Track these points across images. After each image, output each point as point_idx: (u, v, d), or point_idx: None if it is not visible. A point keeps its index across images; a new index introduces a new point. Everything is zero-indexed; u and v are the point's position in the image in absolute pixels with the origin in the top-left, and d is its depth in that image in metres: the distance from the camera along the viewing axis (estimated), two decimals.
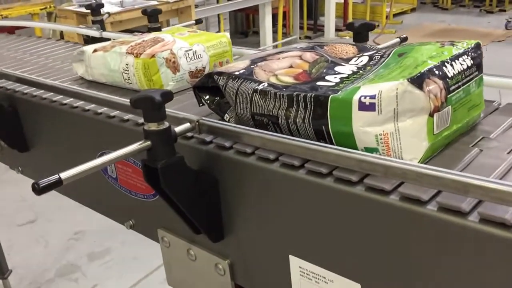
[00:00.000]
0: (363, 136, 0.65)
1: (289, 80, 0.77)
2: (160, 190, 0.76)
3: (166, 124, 0.72)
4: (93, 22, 1.62)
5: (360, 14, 6.58)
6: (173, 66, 1.03)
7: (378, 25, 6.32)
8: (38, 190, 0.63)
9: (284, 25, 5.85)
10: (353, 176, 0.64)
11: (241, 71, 0.80)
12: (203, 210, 0.80)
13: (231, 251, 0.84)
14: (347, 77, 0.73)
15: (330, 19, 5.95)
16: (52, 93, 1.10)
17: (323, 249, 0.70)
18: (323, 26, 6.12)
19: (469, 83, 0.69)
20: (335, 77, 0.74)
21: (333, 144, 0.69)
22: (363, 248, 0.65)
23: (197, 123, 0.77)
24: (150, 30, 1.44)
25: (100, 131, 1.00)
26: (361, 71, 0.74)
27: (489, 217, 0.54)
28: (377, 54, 0.78)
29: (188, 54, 1.05)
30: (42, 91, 1.12)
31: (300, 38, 5.94)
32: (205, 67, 1.08)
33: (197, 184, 0.78)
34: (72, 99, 1.06)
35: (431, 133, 0.64)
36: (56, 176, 0.65)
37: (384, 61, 0.74)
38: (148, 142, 0.72)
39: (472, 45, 0.71)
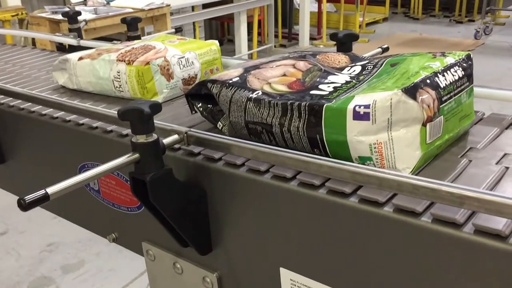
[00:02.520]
0: (357, 145, 0.65)
1: (283, 88, 0.76)
2: (148, 203, 0.74)
3: (155, 136, 0.71)
4: (70, 30, 1.59)
5: (334, 23, 6.65)
6: (167, 73, 1.02)
7: None
8: (24, 206, 0.61)
9: (259, 34, 5.87)
10: (346, 187, 0.64)
11: (235, 79, 0.79)
12: (191, 222, 0.78)
13: (220, 264, 0.83)
14: (341, 87, 0.73)
15: (304, 28, 6.00)
16: (30, 103, 1.07)
17: (315, 261, 0.69)
18: (297, 34, 6.16)
19: (460, 94, 0.69)
20: (329, 86, 0.74)
21: (327, 152, 0.68)
22: (356, 260, 0.65)
23: (185, 134, 0.76)
24: (129, 38, 1.42)
25: (81, 142, 0.97)
26: (354, 81, 0.74)
27: (483, 228, 0.55)
28: (369, 64, 0.78)
29: (181, 61, 1.04)
30: (20, 101, 1.09)
31: (275, 46, 5.97)
32: (197, 75, 1.07)
33: (185, 196, 0.76)
34: (51, 109, 1.03)
35: (424, 143, 0.65)
36: (42, 191, 0.63)
37: (376, 71, 0.74)
38: (136, 155, 0.70)
39: (463, 56, 0.71)
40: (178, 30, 1.58)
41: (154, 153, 0.71)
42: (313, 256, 0.69)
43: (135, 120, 0.69)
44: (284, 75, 0.80)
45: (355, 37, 1.02)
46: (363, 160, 0.66)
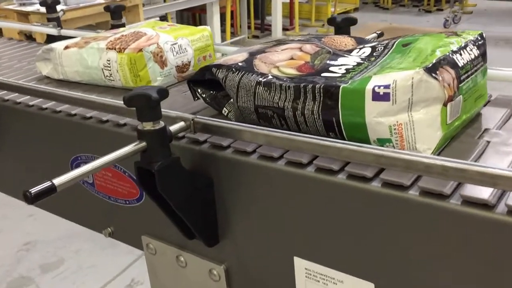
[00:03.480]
0: (376, 127, 0.63)
1: (292, 71, 0.73)
2: (154, 194, 0.71)
3: (162, 123, 0.67)
4: (49, 20, 1.52)
5: (306, 14, 6.65)
6: (161, 60, 0.98)
7: (323, 25, 6.41)
8: (31, 198, 0.57)
9: (232, 25, 5.82)
10: (367, 171, 0.61)
11: (241, 64, 0.76)
12: (199, 213, 0.75)
13: (227, 256, 0.80)
14: (353, 68, 0.71)
15: (277, 19, 5.97)
16: (16, 94, 1.01)
17: (332, 248, 0.67)
18: (270, 25, 6.14)
19: (476, 73, 0.68)
20: (340, 68, 0.72)
21: (343, 135, 0.66)
22: (378, 245, 0.63)
23: (192, 121, 0.72)
24: (113, 27, 1.37)
25: (73, 134, 0.93)
26: (365, 62, 0.72)
27: None
28: (379, 45, 0.76)
29: (174, 48, 1.00)
30: (4, 92, 1.03)
31: (248, 37, 5.93)
32: (190, 62, 1.03)
33: (193, 186, 0.73)
34: (39, 100, 0.98)
35: (445, 123, 0.63)
36: (48, 183, 0.59)
37: (388, 52, 0.72)
38: (143, 143, 0.67)
39: (477, 35, 0.70)
40: (163, 19, 1.52)
41: (161, 141, 0.68)
42: (330, 244, 0.67)
43: (143, 106, 0.65)
44: (292, 58, 0.77)
45: (353, 22, 1.00)
46: (382, 142, 0.64)
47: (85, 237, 2.59)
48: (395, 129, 0.62)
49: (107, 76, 1.01)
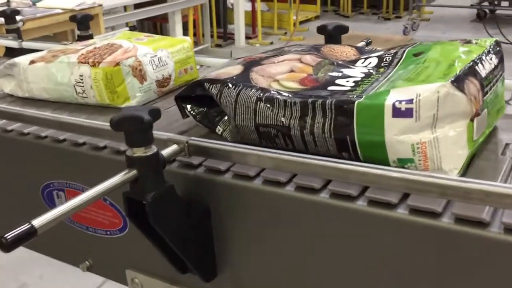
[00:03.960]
0: (397, 146, 0.57)
1: (294, 85, 0.67)
2: (145, 227, 0.63)
3: (154, 148, 0.59)
4: (8, 31, 1.41)
5: (267, 22, 6.62)
6: (140, 74, 0.89)
7: (286, 33, 6.40)
8: (8, 245, 0.48)
9: (194, 34, 5.73)
10: (392, 197, 0.55)
11: (237, 78, 0.68)
12: (195, 245, 0.67)
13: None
14: (362, 81, 0.65)
15: (240, 27, 5.92)
16: None
17: (350, 278, 0.60)
18: (233, 34, 6.07)
19: (497, 83, 0.63)
20: (348, 81, 0.66)
21: (357, 155, 0.60)
22: (407, 275, 0.56)
23: (186, 144, 0.64)
24: (80, 38, 1.27)
25: (44, 158, 0.83)
26: (374, 74, 0.66)
27: None
28: (386, 55, 0.70)
29: (154, 61, 0.92)
30: None
31: (211, 46, 5.85)
32: (171, 75, 0.95)
33: (188, 216, 0.65)
34: (3, 121, 0.88)
35: (471, 140, 0.57)
36: (27, 225, 0.50)
37: (398, 62, 0.67)
38: (134, 172, 0.58)
39: (493, 42, 0.65)
40: (132, 29, 1.43)
41: (154, 169, 0.59)
42: (348, 273, 0.60)
43: (133, 130, 0.57)
44: (292, 70, 0.71)
45: (344, 30, 0.94)
46: (403, 162, 0.57)
47: (48, 260, 2.44)
48: (418, 148, 0.56)
49: (79, 93, 0.91)
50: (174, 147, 0.64)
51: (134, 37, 0.99)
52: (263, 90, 0.66)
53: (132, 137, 0.57)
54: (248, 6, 6.31)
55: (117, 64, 0.87)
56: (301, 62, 0.72)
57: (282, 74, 0.70)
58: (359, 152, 0.59)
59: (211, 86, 0.70)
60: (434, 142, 0.56)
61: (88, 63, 0.89)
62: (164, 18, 5.32)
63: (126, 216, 0.62)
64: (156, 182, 0.60)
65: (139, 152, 0.58)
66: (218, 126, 0.73)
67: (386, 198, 0.55)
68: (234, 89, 0.68)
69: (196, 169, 0.67)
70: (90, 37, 1.27)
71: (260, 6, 6.19)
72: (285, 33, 6.41)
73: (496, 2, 6.29)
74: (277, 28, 6.57)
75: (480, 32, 5.66)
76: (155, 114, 0.58)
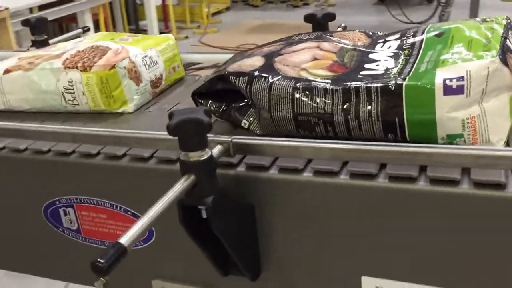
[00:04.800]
0: (447, 123, 0.59)
1: (324, 73, 0.67)
2: (196, 232, 0.61)
3: (209, 151, 0.57)
4: None
5: (179, 16, 6.52)
6: (135, 76, 0.85)
7: (199, 26, 6.34)
8: (105, 269, 0.44)
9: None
10: (455, 174, 0.57)
11: (263, 69, 0.67)
12: (244, 245, 0.66)
13: (270, 286, 0.71)
14: (392, 64, 0.66)
15: (152, 23, 5.77)
16: None
17: (409, 260, 0.62)
18: (145, 30, 5.91)
19: None
20: (377, 65, 0.67)
21: (404, 136, 0.61)
22: (460, 250, 0.59)
23: (231, 143, 0.62)
24: (35, 44, 1.18)
25: (47, 175, 0.77)
26: (401, 57, 0.68)
27: None
28: (405, 38, 0.72)
29: (146, 61, 0.87)
30: None
31: None
32: (162, 75, 0.91)
33: (239, 216, 0.63)
34: None
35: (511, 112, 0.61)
36: (114, 245, 0.46)
37: (421, 44, 0.68)
38: (192, 177, 0.56)
39: (507, 19, 0.69)
40: (86, 30, 1.34)
41: (210, 172, 0.57)
42: (407, 256, 0.61)
43: (191, 133, 0.54)
44: (315, 58, 0.71)
45: (332, 17, 0.95)
46: (452, 138, 0.60)
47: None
48: (468, 122, 0.59)
49: (69, 100, 0.85)
50: (219, 147, 0.61)
51: (117, 38, 0.94)
52: (297, 79, 0.66)
53: (190, 141, 0.55)
54: (158, 1, 6.18)
55: (113, 66, 0.82)
56: (321, 49, 0.72)
57: (307, 63, 0.70)
58: (406, 132, 0.61)
59: (237, 79, 0.68)
60: (482, 115, 0.59)
61: (77, 68, 0.84)
62: (71, 18, 5.07)
63: (181, 224, 0.59)
64: (212, 186, 0.58)
65: (195, 156, 0.56)
66: (244, 120, 0.72)
67: (449, 176, 0.56)
68: (265, 80, 0.66)
69: (237, 168, 0.65)
70: (46, 41, 1.19)
71: (170, 0, 6.09)
72: (198, 26, 6.35)
73: None
74: (190, 22, 6.50)
75: (383, 13, 5.95)
76: (209, 116, 0.56)
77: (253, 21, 6.57)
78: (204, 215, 0.59)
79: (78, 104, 0.85)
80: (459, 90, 0.57)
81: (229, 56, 1.04)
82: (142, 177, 0.71)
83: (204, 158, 0.56)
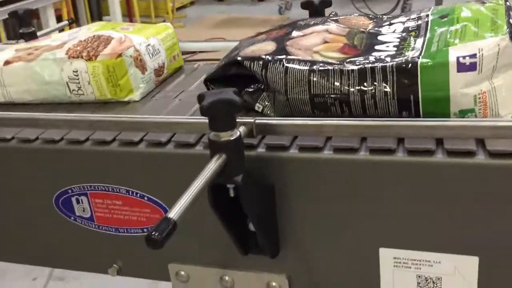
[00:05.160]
0: (461, 99, 0.62)
1: (337, 55, 0.69)
2: (223, 212, 0.62)
3: (237, 131, 0.59)
4: None
5: (143, 11, 6.45)
6: (141, 65, 0.85)
7: (164, 21, 6.29)
8: (160, 242, 0.46)
9: (69, 28, 5.40)
10: (470, 145, 0.60)
11: (276, 53, 0.69)
12: (266, 223, 0.68)
13: (289, 265, 0.73)
14: (401, 45, 0.69)
15: (116, 18, 5.69)
16: None
17: (426, 229, 0.65)
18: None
19: None
20: (387, 46, 0.70)
21: (418, 112, 0.64)
22: (480, 216, 0.62)
23: (254, 124, 0.64)
24: (23, 36, 1.17)
25: (59, 164, 0.77)
26: (408, 38, 0.71)
27: None
28: (409, 21, 0.75)
29: (149, 49, 0.88)
30: None
31: None
32: (164, 63, 0.92)
33: (263, 195, 0.65)
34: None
35: None
36: (165, 220, 0.47)
37: (427, 25, 0.72)
38: (224, 156, 0.57)
39: (505, 1, 0.73)
40: (71, 22, 1.32)
41: (240, 152, 0.59)
42: (424, 225, 0.64)
43: (224, 113, 0.56)
44: (326, 41, 0.73)
45: (329, 4, 0.97)
46: (463, 113, 0.63)
47: None
48: (479, 98, 0.62)
49: (73, 90, 0.85)
50: (242, 128, 0.63)
51: (117, 27, 0.94)
52: (312, 61, 0.68)
53: (221, 121, 0.56)
54: None
55: (119, 55, 0.82)
56: (330, 33, 0.75)
57: (318, 46, 0.72)
58: (421, 109, 0.64)
59: (252, 64, 0.70)
60: (492, 91, 0.62)
61: (82, 57, 0.83)
62: (33, 13, 4.95)
63: (211, 204, 0.60)
64: (241, 165, 0.59)
65: (226, 136, 0.57)
66: (258, 104, 0.73)
67: (466, 147, 0.60)
68: (281, 64, 0.68)
69: (257, 149, 0.67)
70: (34, 34, 1.17)
71: None
72: (164, 20, 6.30)
73: None
74: (155, 17, 6.43)
75: (346, 6, 6.03)
76: (239, 96, 0.57)
77: (218, 15, 6.55)
78: (232, 194, 0.61)
79: (83, 94, 0.85)
80: (472, 67, 0.61)
81: (224, 44, 1.07)
82: (159, 162, 0.71)
83: (234, 137, 0.57)
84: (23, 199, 0.81)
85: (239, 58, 0.71)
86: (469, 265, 0.64)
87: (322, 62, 0.68)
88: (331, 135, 0.64)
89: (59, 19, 5.04)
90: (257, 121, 0.64)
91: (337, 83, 0.66)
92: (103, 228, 0.80)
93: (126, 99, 0.85)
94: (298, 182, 0.67)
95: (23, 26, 1.17)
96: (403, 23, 0.75)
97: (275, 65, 0.69)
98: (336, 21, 0.79)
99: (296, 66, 0.67)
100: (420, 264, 0.67)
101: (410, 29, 0.73)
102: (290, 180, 0.67)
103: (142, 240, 0.78)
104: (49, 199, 0.79)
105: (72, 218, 0.80)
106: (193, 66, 1.01)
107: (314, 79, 0.67)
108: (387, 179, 0.63)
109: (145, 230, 0.77)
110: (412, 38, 0.70)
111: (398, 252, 0.67)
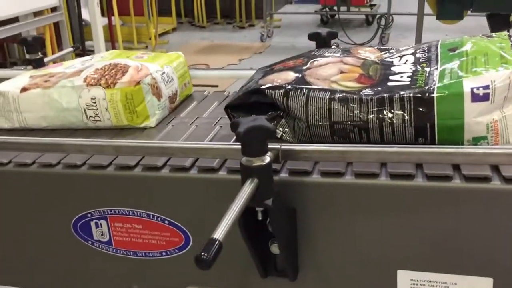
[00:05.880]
0: (474, 127, 0.66)
1: (354, 84, 0.73)
2: (252, 235, 0.64)
3: (267, 157, 0.61)
4: None
5: (125, 36, 6.47)
6: (157, 92, 0.87)
7: (147, 47, 6.32)
8: (209, 262, 0.47)
9: (52, 53, 5.38)
10: (486, 171, 0.64)
11: (297, 82, 0.73)
12: (289, 246, 0.70)
13: (308, 286, 0.75)
14: (414, 75, 0.73)
15: (100, 43, 5.70)
16: None
17: (443, 252, 0.68)
18: (91, 51, 5.83)
19: None
20: (401, 77, 0.73)
21: (433, 139, 0.68)
22: (494, 238, 0.65)
23: (280, 150, 0.66)
24: (30, 62, 1.18)
25: (80, 188, 0.78)
26: (421, 69, 0.75)
27: None
28: (420, 53, 0.79)
29: (164, 77, 0.90)
30: None
31: None
32: (177, 91, 0.94)
33: (289, 218, 0.68)
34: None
35: None
36: (212, 241, 0.49)
37: (437, 58, 0.76)
38: (256, 181, 0.59)
39: (508, 35, 0.78)
40: (77, 49, 1.33)
41: (270, 176, 0.61)
42: (441, 248, 0.67)
43: (257, 140, 0.58)
44: (342, 72, 0.77)
45: (334, 35, 1.02)
46: (476, 140, 0.67)
47: None
48: (491, 126, 0.66)
49: (90, 117, 0.87)
50: (269, 154, 0.65)
51: (131, 55, 0.97)
52: (332, 90, 0.71)
53: (255, 147, 0.59)
54: (103, 21, 6.12)
55: (137, 83, 0.85)
56: (346, 63, 0.78)
57: (335, 76, 0.75)
58: (436, 136, 0.68)
59: (274, 92, 0.73)
60: (503, 119, 0.66)
61: (100, 85, 0.85)
62: (15, 38, 4.93)
63: (240, 227, 0.62)
64: (271, 189, 0.62)
65: (257, 161, 0.60)
66: (277, 130, 0.76)
67: (483, 173, 0.63)
68: (301, 92, 0.72)
69: (280, 174, 0.70)
70: (42, 60, 1.18)
71: (118, 21, 6.04)
72: (146, 46, 6.33)
73: (335, 8, 6.91)
74: (137, 42, 6.47)
75: None
76: (272, 123, 0.60)
77: (201, 41, 6.62)
78: (260, 217, 0.63)
79: (100, 120, 0.87)
80: (485, 97, 0.65)
81: (229, 72, 1.10)
82: (182, 186, 0.73)
83: (265, 162, 0.60)
84: (41, 224, 0.82)
85: (261, 87, 0.74)
86: (484, 286, 0.67)
87: (341, 91, 0.71)
88: (354, 161, 0.67)
89: (43, 44, 5.04)
90: (283, 147, 0.67)
91: (356, 111, 0.69)
92: (121, 252, 0.81)
93: (142, 125, 0.87)
94: (320, 206, 0.69)
95: (31, 53, 1.18)
96: (414, 55, 0.79)
97: (296, 93, 0.72)
98: (348, 51, 0.83)
99: (317, 95, 0.71)
100: (436, 286, 0.69)
101: (421, 60, 0.77)
102: (312, 203, 0.69)
103: (160, 263, 0.80)
104: (67, 224, 0.80)
105: (90, 242, 0.81)
106: (202, 94, 1.03)
107: (335, 107, 0.70)
108: (407, 203, 0.66)
109: (163, 253, 0.79)
110: (424, 69, 0.74)
111: (416, 274, 0.70)
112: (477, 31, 0.97)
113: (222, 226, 0.52)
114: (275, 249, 0.69)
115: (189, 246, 0.77)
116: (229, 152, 0.68)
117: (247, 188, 0.58)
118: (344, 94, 0.70)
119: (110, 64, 0.91)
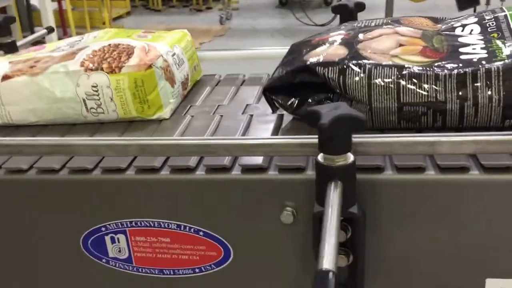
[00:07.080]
0: None
1: (420, 59, 0.61)
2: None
3: (350, 155, 0.49)
4: None
5: (78, 21, 6.15)
6: (170, 77, 0.73)
7: None
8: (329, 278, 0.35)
9: None
10: None
11: (352, 57, 0.60)
12: (363, 255, 0.58)
13: None
14: (490, 47, 0.62)
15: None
16: None
17: None
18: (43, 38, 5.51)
19: None
20: (474, 48, 0.62)
21: None
22: None
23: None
24: (2, 46, 1.01)
25: (92, 198, 0.63)
26: (493, 39, 0.64)
27: None
28: (486, 21, 0.68)
29: (175, 59, 0.76)
30: None
31: None
32: (188, 75, 0.80)
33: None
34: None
35: None
36: (322, 274, 0.37)
37: (510, 26, 0.65)
38: (340, 184, 0.47)
39: None
40: (51, 31, 1.16)
41: (354, 178, 0.49)
42: None
43: (343, 133, 0.46)
44: (401, 44, 0.65)
45: (362, 7, 0.90)
46: None
47: None
48: None
49: (91, 108, 0.72)
50: None
51: (133, 34, 0.82)
52: (398, 67, 0.60)
53: (339, 142, 0.46)
54: (53, 6, 5.79)
55: (149, 66, 0.70)
56: (402, 35, 0.67)
57: (394, 49, 0.64)
58: None
59: (326, 70, 0.61)
60: None
61: (101, 70, 0.70)
62: None
63: (315, 237, 0.50)
64: (355, 194, 0.50)
65: (341, 160, 0.47)
66: None
67: None
68: (361, 69, 0.60)
69: None
70: (14, 44, 1.02)
71: (69, 5, 5.73)
72: None
73: None
74: (90, 27, 6.16)
75: (287, 16, 6.06)
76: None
77: (157, 25, 6.36)
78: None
79: (103, 112, 0.72)
80: None
81: (239, 52, 0.96)
82: (220, 189, 0.60)
83: (350, 161, 0.48)
84: (43, 243, 0.67)
85: (310, 64, 0.62)
86: None
87: (409, 67, 0.59)
88: (447, 153, 0.55)
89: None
90: (354, 139, 0.54)
91: (431, 90, 0.58)
92: (143, 270, 0.67)
93: (155, 117, 0.73)
94: (395, 207, 0.58)
95: (2, 36, 1.01)
96: (479, 24, 0.68)
97: (355, 70, 0.60)
98: (398, 22, 0.71)
99: (382, 71, 0.59)
100: None
101: (489, 29, 0.66)
102: (386, 205, 0.58)
103: (192, 282, 0.67)
104: (76, 240, 0.66)
105: (104, 260, 0.67)
106: (213, 77, 0.90)
107: (404, 85, 0.58)
108: (503, 201, 0.56)
109: (197, 270, 0.66)
110: (497, 40, 0.64)
111: (506, 282, 0.60)
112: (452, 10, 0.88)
113: (326, 252, 0.40)
114: (341, 261, 0.57)
115: (229, 261, 0.64)
116: (287, 148, 0.55)
117: (333, 195, 0.46)
118: (415, 70, 0.59)
119: (110, 45, 0.75)
